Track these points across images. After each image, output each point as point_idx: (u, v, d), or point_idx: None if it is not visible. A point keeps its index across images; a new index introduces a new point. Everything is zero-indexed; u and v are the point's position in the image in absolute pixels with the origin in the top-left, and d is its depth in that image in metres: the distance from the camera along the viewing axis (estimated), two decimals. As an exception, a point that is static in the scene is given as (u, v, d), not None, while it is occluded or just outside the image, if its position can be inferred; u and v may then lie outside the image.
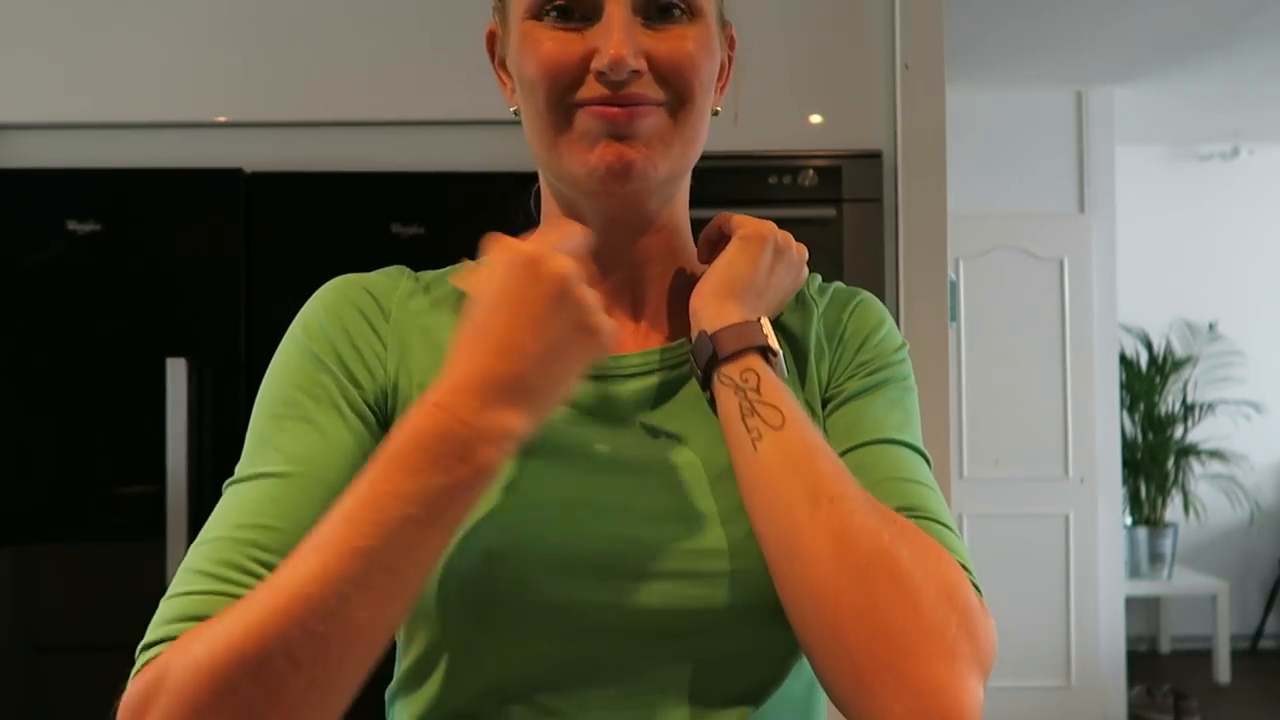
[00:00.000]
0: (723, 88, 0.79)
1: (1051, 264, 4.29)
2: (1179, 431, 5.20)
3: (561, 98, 0.70)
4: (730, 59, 0.80)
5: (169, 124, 2.42)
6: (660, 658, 0.68)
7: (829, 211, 2.28)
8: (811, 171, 2.29)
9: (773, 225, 0.78)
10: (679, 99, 0.71)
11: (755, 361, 0.70)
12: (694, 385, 0.75)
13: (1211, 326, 5.49)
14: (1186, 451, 5.18)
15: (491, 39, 0.81)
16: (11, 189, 2.32)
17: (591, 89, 0.69)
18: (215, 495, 0.68)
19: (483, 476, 0.60)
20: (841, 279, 0.87)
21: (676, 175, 0.75)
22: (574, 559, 0.67)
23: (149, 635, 0.61)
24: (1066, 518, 4.25)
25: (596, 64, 0.69)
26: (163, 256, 2.33)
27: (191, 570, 0.63)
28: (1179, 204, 5.59)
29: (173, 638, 0.59)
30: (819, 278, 0.86)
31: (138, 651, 0.60)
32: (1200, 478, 5.25)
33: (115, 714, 0.58)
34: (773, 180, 2.29)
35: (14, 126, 2.41)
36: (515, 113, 0.77)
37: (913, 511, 0.69)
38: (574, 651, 0.67)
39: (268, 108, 2.40)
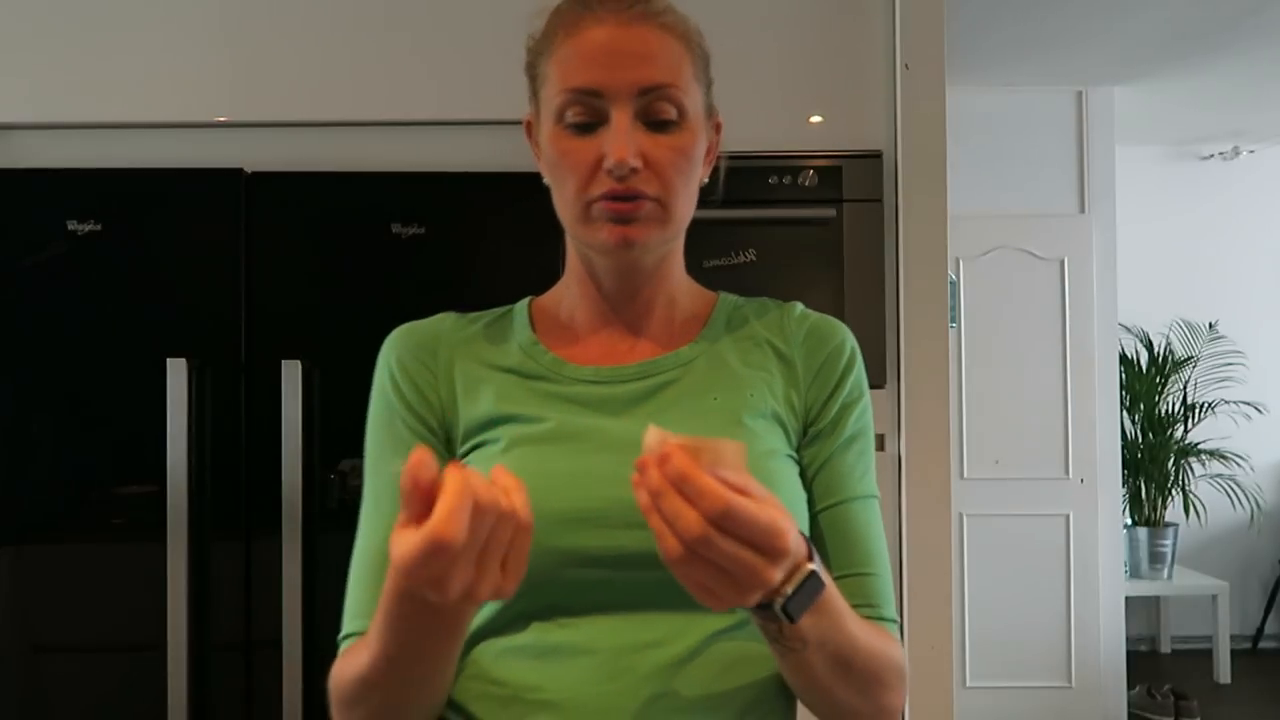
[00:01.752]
0: (710, 161, 1.01)
1: (1052, 264, 4.29)
2: (1179, 432, 5.19)
3: (582, 190, 0.93)
4: (717, 139, 1.02)
5: (169, 124, 2.42)
6: (647, 586, 0.87)
7: (829, 211, 2.28)
8: (811, 171, 2.29)
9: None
10: (665, 190, 0.93)
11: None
12: (676, 386, 0.97)
13: (1211, 326, 5.49)
14: (1186, 452, 5.18)
15: (529, 127, 1.01)
16: (11, 189, 2.33)
17: (603, 183, 0.92)
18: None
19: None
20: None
21: (666, 243, 0.98)
22: (576, 515, 0.88)
23: (344, 629, 0.94)
24: (1067, 518, 4.25)
25: (605, 164, 0.91)
26: (163, 256, 2.33)
27: (353, 584, 0.95)
28: (1179, 204, 5.59)
29: (348, 639, 0.92)
30: (800, 305, 1.05)
31: (339, 638, 0.94)
32: (1200, 478, 5.25)
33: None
34: (773, 180, 2.29)
35: (14, 126, 2.41)
36: (546, 184, 0.99)
37: (871, 611, 0.95)
38: (580, 584, 0.88)
39: (268, 108, 2.41)
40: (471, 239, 2.34)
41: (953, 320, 2.72)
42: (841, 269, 2.29)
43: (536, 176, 0.99)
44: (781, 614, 0.75)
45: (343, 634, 0.94)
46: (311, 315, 2.36)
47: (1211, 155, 5.61)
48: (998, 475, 4.23)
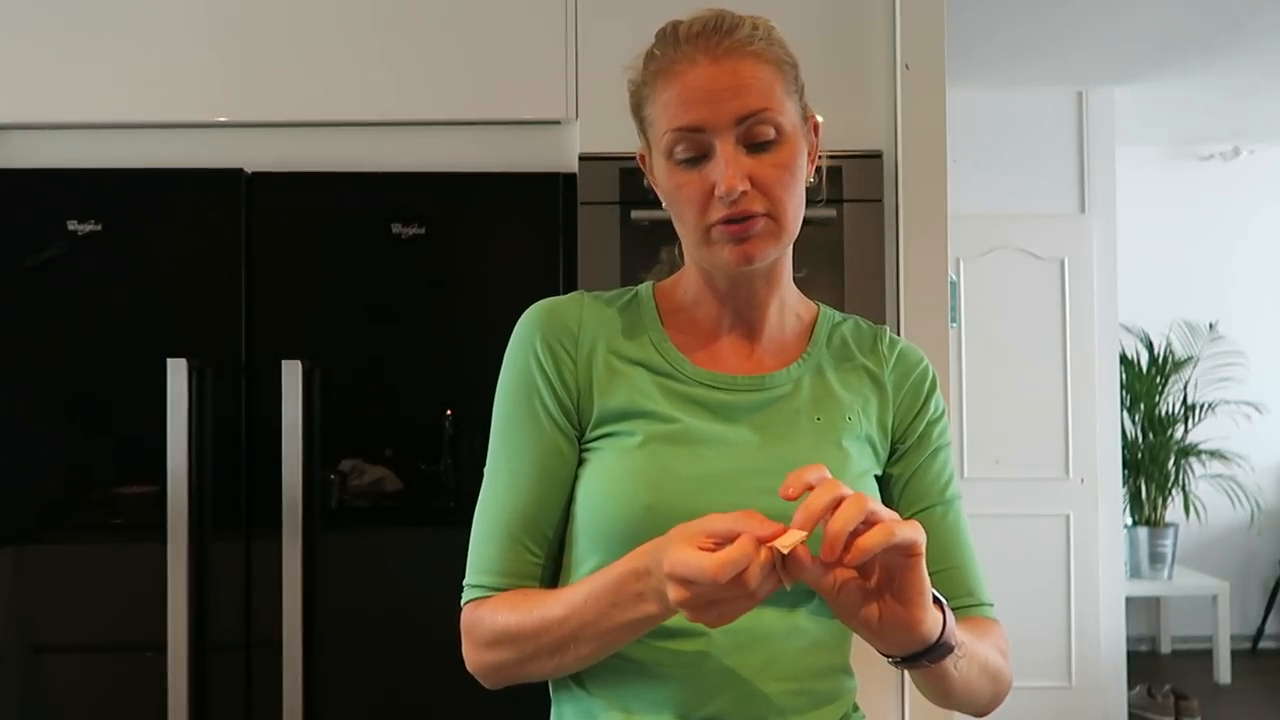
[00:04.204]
0: (813, 161, 1.08)
1: (1052, 264, 4.29)
2: (1179, 432, 5.19)
3: (699, 219, 1.02)
4: (817, 140, 1.09)
5: (169, 124, 2.42)
6: None
7: (829, 211, 2.28)
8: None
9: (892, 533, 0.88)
10: (775, 205, 1.01)
11: (957, 640, 0.95)
12: (786, 403, 1.07)
13: (1211, 326, 5.49)
14: (1187, 452, 5.18)
15: (643, 158, 1.10)
16: (11, 189, 2.33)
17: (717, 210, 1.00)
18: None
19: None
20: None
21: (782, 251, 1.07)
22: (701, 516, 0.92)
23: (471, 578, 1.05)
24: (1067, 518, 4.25)
25: (717, 192, 0.99)
26: (163, 256, 2.33)
27: (484, 542, 1.05)
28: (1179, 204, 5.59)
29: (482, 592, 1.03)
30: (888, 330, 1.16)
31: (465, 584, 1.05)
32: (1200, 478, 5.25)
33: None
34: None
35: (14, 126, 2.41)
36: (666, 207, 1.08)
37: (970, 599, 1.09)
38: None
39: (268, 108, 2.41)
40: (471, 239, 2.34)
41: (953, 320, 2.72)
42: (842, 269, 2.29)
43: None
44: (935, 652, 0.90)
45: (470, 583, 1.05)
46: (311, 315, 2.36)
47: (1211, 155, 5.60)
48: (998, 475, 4.23)
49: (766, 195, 1.01)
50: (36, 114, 2.41)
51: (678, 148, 1.01)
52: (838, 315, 1.16)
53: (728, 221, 1.00)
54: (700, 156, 1.01)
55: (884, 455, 1.10)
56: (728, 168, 0.99)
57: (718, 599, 0.82)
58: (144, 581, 2.24)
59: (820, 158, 1.10)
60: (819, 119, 1.09)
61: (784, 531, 0.82)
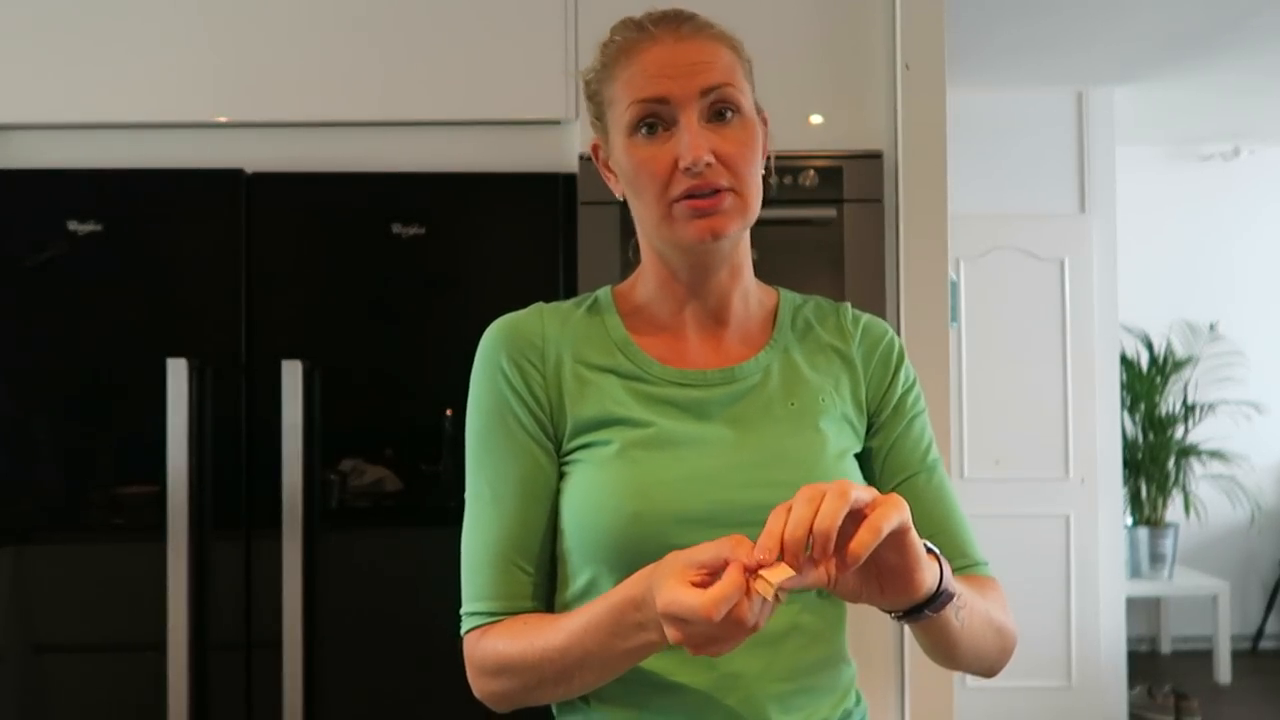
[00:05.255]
0: (764, 154, 1.08)
1: (1052, 264, 4.29)
2: (1180, 432, 5.19)
3: (662, 194, 1.02)
4: (766, 134, 1.09)
5: (169, 124, 2.42)
6: None
7: (829, 212, 2.27)
8: (812, 172, 2.29)
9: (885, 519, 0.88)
10: (739, 180, 1.02)
11: (956, 589, 0.96)
12: (759, 392, 1.06)
13: (1212, 327, 5.49)
14: (1187, 452, 5.18)
15: (596, 149, 1.11)
16: (11, 189, 2.33)
17: (681, 183, 1.00)
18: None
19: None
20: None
21: (745, 229, 1.06)
22: (690, 517, 0.99)
23: (469, 606, 1.04)
24: (1067, 518, 4.25)
25: (681, 163, 1.00)
26: (163, 256, 2.33)
27: (477, 569, 1.04)
28: (1179, 204, 5.59)
29: (481, 620, 1.03)
30: (849, 306, 1.16)
31: (463, 613, 1.04)
32: (1201, 478, 5.25)
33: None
34: (773, 180, 2.29)
35: (14, 126, 2.41)
36: (622, 196, 1.09)
37: (965, 560, 1.10)
38: None
39: (268, 108, 2.40)
40: (471, 239, 2.34)
41: (953, 320, 2.72)
42: (842, 269, 2.29)
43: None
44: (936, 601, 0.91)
45: (469, 611, 1.04)
46: (311, 315, 2.36)
47: (1211, 155, 5.60)
48: (998, 475, 4.23)
49: (730, 169, 1.01)
50: (36, 114, 2.40)
51: (641, 121, 1.02)
52: (798, 298, 1.16)
53: (691, 196, 1.00)
54: (662, 130, 1.02)
55: (862, 431, 1.10)
56: (692, 138, 0.99)
57: (716, 634, 0.82)
58: (144, 581, 2.24)
59: (770, 156, 1.11)
60: (768, 116, 1.11)
61: (771, 556, 0.80)
